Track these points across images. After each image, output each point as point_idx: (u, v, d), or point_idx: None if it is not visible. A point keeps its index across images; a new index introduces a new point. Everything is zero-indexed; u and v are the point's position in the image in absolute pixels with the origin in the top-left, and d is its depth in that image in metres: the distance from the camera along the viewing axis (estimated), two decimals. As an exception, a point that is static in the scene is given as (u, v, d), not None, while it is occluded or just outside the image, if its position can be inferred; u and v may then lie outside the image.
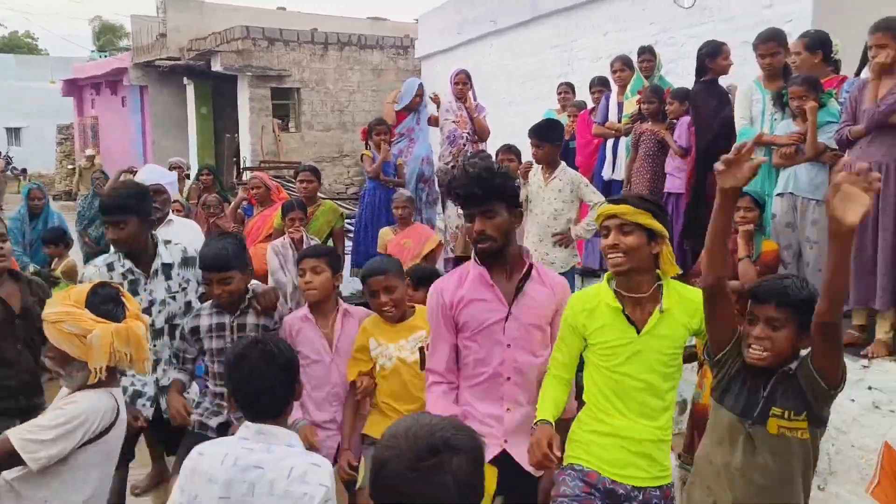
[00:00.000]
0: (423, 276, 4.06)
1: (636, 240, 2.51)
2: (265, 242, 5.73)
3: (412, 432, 1.37)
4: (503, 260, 2.80)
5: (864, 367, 4.20)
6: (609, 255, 2.55)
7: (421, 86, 7.40)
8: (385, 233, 6.25)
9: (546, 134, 5.37)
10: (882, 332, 4.20)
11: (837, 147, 4.59)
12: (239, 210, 6.89)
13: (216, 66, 15.39)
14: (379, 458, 1.39)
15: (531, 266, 2.83)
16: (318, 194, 6.31)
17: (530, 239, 5.27)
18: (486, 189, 2.66)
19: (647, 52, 6.44)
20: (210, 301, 3.48)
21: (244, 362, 2.16)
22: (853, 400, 4.28)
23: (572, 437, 2.72)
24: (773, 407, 2.37)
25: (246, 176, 13.97)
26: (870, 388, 4.17)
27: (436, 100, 7.37)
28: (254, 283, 3.49)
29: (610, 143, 6.50)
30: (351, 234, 7.22)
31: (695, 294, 2.59)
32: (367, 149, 7.17)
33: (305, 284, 3.47)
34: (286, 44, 15.40)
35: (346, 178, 15.79)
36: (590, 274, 6.53)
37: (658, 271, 2.61)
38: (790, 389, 2.37)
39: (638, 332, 2.57)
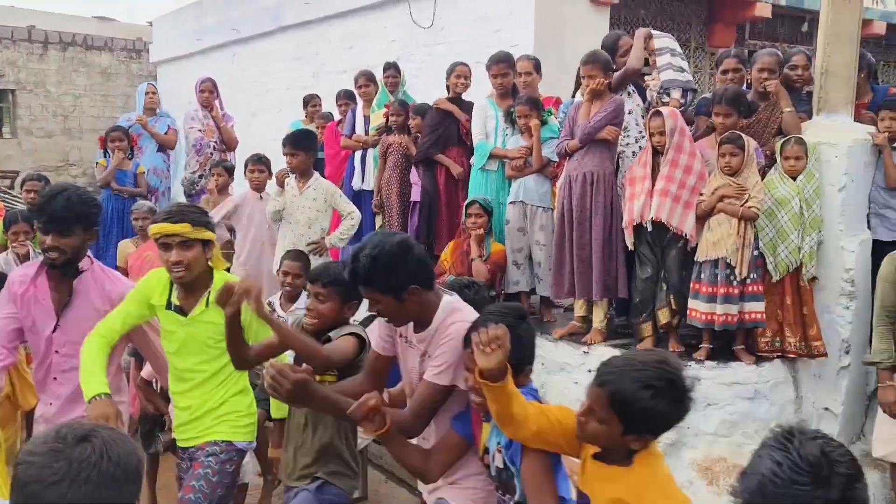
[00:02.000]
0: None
1: (196, 253, 2.98)
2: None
3: None
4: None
5: (585, 353, 4.80)
6: (174, 270, 2.97)
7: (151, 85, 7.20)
8: (125, 245, 5.93)
9: (300, 143, 5.46)
10: (598, 321, 4.82)
11: (558, 159, 5.21)
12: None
13: None
14: None
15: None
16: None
17: (285, 247, 5.32)
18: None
19: (392, 68, 6.74)
20: None
21: None
22: (576, 382, 4.87)
23: None
24: None
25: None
26: (589, 371, 4.76)
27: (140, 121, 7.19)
28: None
29: (358, 154, 6.72)
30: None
31: None
32: (104, 157, 6.74)
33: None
34: (-3, 40, 13.85)
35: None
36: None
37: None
38: None
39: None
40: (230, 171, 6.50)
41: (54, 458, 1.34)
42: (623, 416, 1.95)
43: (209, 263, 3.06)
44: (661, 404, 1.92)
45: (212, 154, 6.95)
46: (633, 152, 5.05)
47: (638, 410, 1.92)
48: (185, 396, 3.16)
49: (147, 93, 7.47)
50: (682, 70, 5.06)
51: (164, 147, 7.18)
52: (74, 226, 3.07)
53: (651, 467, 2.04)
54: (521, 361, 2.33)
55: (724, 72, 5.12)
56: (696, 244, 4.45)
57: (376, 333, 2.78)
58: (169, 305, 3.08)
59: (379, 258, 2.43)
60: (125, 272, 5.77)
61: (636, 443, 1.99)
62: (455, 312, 2.56)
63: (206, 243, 3.01)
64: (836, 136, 4.64)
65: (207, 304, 3.02)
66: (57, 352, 3.20)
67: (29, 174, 6.25)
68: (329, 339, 2.97)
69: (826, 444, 1.51)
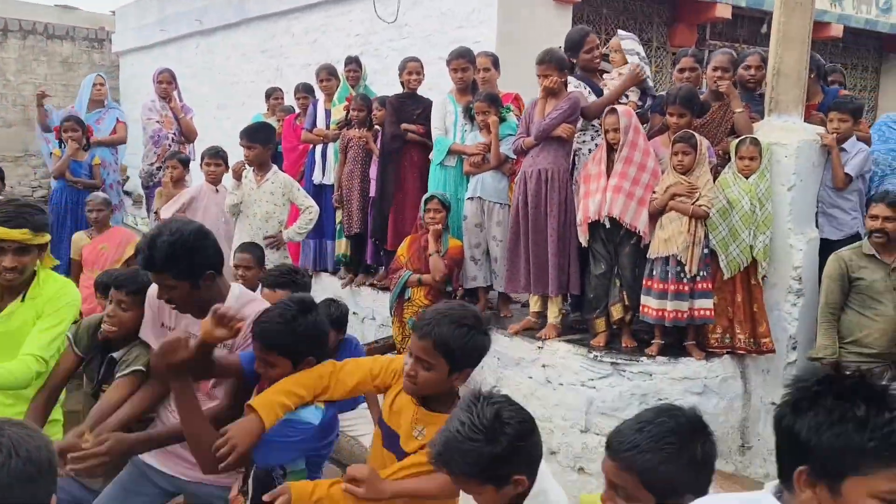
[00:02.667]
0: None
1: (32, 258, 2.85)
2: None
3: None
4: None
5: (539, 348, 4.84)
6: (6, 275, 2.82)
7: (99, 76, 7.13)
8: (79, 237, 5.85)
9: (256, 136, 5.43)
10: (552, 316, 4.86)
11: (515, 156, 5.24)
12: None
13: None
14: None
15: None
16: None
17: (242, 240, 5.27)
18: None
19: (354, 63, 6.71)
20: None
21: None
22: (531, 377, 4.91)
23: None
24: None
25: None
26: (543, 365, 4.81)
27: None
28: None
29: (319, 148, 6.68)
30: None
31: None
32: (58, 147, 6.64)
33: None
34: (-46, 28, 13.53)
35: (33, 179, 14.22)
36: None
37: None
38: None
39: None
40: (185, 163, 6.44)
41: None
42: (448, 356, 2.16)
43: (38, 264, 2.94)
44: (475, 337, 2.19)
45: (170, 146, 6.87)
46: (589, 150, 5.08)
47: (459, 347, 2.15)
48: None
49: (95, 84, 7.37)
50: (646, 76, 5.11)
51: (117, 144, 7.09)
52: None
53: None
54: (299, 353, 2.41)
55: (681, 70, 5.19)
56: (649, 241, 4.51)
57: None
58: None
59: (178, 243, 2.46)
60: (79, 265, 5.71)
61: (459, 380, 2.22)
62: (251, 302, 2.66)
63: (42, 246, 2.88)
64: (787, 136, 4.72)
65: (23, 300, 2.92)
66: None
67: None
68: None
69: (503, 408, 1.85)
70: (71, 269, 5.66)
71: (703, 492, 1.70)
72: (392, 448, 2.36)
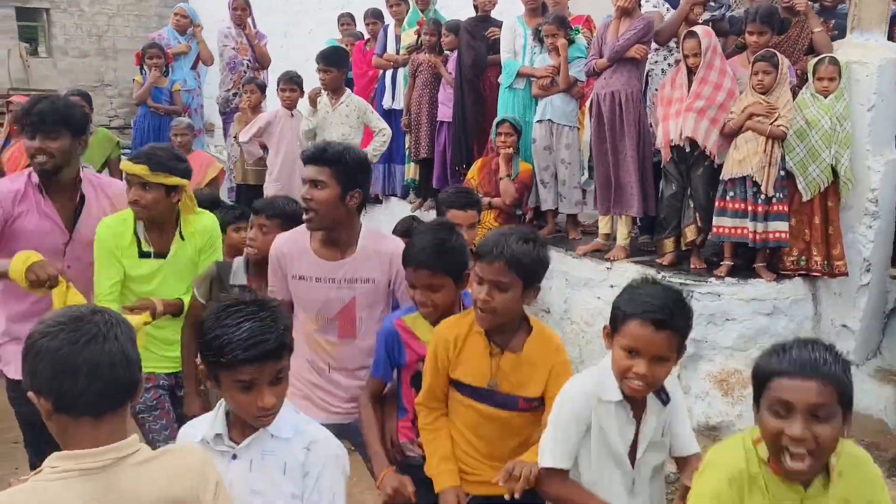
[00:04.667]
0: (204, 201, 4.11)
1: (156, 195, 2.93)
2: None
3: None
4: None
5: (608, 268, 4.93)
6: (132, 206, 2.95)
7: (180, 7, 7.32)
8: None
9: (332, 59, 5.55)
10: (621, 237, 4.93)
11: (584, 79, 5.23)
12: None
13: (-55, -20, 13.51)
14: None
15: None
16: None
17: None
18: None
19: (423, -14, 6.70)
20: None
21: None
22: (599, 297, 5.02)
23: None
24: None
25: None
26: (612, 286, 4.90)
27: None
28: None
29: (389, 73, 6.76)
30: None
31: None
32: (139, 74, 6.88)
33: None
34: (30, -42, 13.86)
35: (110, 109, 14.67)
36: (373, 200, 6.84)
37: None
38: None
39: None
40: (262, 88, 6.60)
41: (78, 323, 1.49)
42: (521, 272, 2.24)
43: (176, 206, 3.05)
44: (541, 251, 2.30)
45: (245, 72, 7.03)
46: (662, 70, 5.05)
47: (531, 262, 2.25)
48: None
49: (175, 14, 7.50)
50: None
51: (197, 64, 7.27)
52: (61, 128, 2.97)
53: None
54: (461, 268, 2.48)
55: (759, -14, 5.05)
56: (720, 162, 4.50)
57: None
58: (141, 254, 3.05)
59: (349, 151, 2.65)
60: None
61: (531, 297, 2.31)
62: (385, 237, 2.82)
63: (175, 190, 2.99)
64: (868, 54, 4.58)
65: (183, 238, 3.10)
66: (69, 266, 3.06)
67: (69, 90, 6.40)
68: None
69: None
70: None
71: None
72: (487, 401, 2.35)
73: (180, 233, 3.10)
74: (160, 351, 3.20)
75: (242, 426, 1.88)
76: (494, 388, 2.31)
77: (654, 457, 2.16)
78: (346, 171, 2.60)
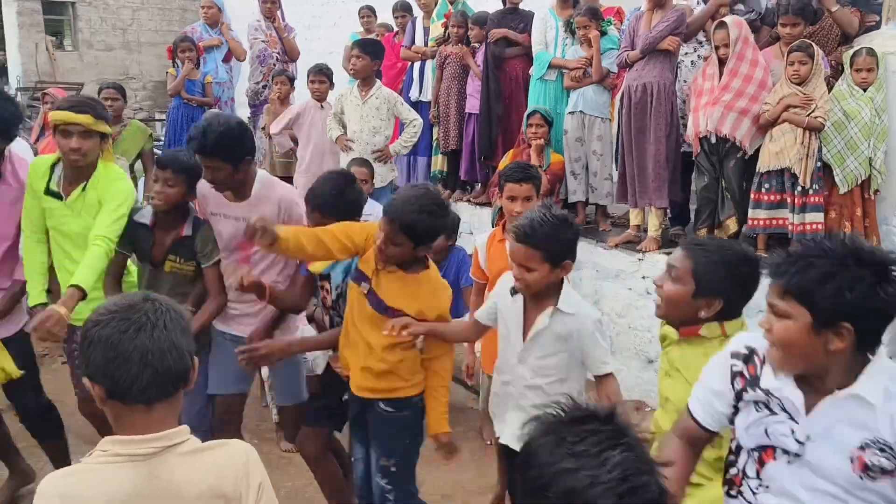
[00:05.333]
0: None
1: (93, 144, 3.17)
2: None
3: None
4: None
5: (640, 259, 4.94)
6: (71, 156, 3.15)
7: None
8: (197, 153, 6.18)
9: (367, 47, 5.61)
10: (653, 229, 4.93)
11: (617, 70, 5.24)
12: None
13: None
14: None
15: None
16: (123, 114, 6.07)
17: (351, 155, 5.48)
18: None
19: (452, -21, 6.71)
20: None
21: None
22: (630, 289, 5.03)
23: None
24: None
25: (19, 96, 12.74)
26: (643, 277, 4.92)
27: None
28: None
29: (417, 65, 6.78)
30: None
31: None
32: (173, 67, 6.96)
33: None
34: (55, -48, 14.00)
35: (134, 102, 14.80)
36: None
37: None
38: None
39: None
40: (291, 80, 6.65)
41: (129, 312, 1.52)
42: (410, 235, 2.64)
43: (100, 156, 3.26)
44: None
45: (275, 65, 7.09)
46: (692, 61, 5.04)
47: (421, 229, 2.65)
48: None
49: (202, 7, 7.55)
50: None
51: (229, 58, 7.34)
52: None
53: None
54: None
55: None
56: (750, 154, 4.50)
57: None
58: (47, 190, 3.26)
59: (228, 131, 3.02)
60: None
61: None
62: (275, 185, 3.31)
63: (103, 136, 3.22)
64: (905, 45, 4.56)
65: (84, 190, 3.24)
66: None
67: (104, 83, 6.47)
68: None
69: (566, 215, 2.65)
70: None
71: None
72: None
73: (85, 185, 3.26)
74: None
75: None
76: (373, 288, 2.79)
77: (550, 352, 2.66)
78: (228, 150, 3.03)
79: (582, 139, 5.36)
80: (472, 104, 6.19)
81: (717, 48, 4.54)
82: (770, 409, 1.68)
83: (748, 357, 1.75)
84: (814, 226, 4.36)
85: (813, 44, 4.39)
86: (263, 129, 6.62)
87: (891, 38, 4.63)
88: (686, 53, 5.07)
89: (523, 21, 5.86)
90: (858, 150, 4.36)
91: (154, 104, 14.52)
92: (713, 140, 4.53)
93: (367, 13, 7.84)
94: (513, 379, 2.76)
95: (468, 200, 6.49)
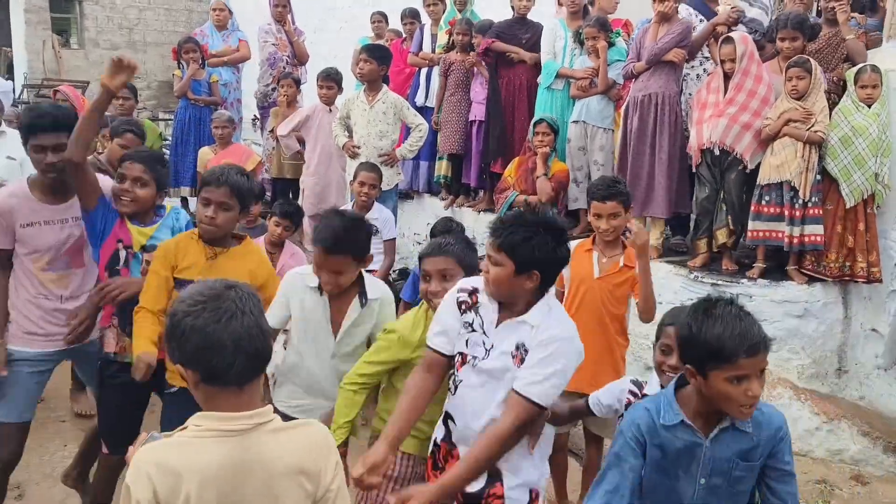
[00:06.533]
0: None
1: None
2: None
3: None
4: None
5: (641, 268, 5.01)
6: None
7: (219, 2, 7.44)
8: (205, 152, 6.26)
9: (375, 51, 5.68)
10: (654, 238, 5.00)
11: (623, 81, 5.32)
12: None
13: (-20, -29, 13.77)
14: None
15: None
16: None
17: (358, 159, 5.55)
18: None
19: (462, -14, 6.77)
20: None
21: None
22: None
23: None
24: None
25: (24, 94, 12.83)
26: (644, 285, 4.99)
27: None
28: None
29: (423, 71, 6.87)
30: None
31: None
32: (178, 68, 7.04)
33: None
34: (63, -49, 14.09)
35: (139, 101, 14.89)
36: (403, 196, 6.95)
37: None
38: None
39: None
40: (298, 83, 6.72)
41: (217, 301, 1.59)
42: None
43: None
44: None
45: (284, 68, 7.18)
46: (697, 75, 5.14)
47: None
48: None
49: (214, 9, 7.65)
50: (765, 11, 5.09)
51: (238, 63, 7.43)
52: None
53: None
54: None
55: (794, -5, 5.13)
56: (751, 167, 4.57)
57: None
58: None
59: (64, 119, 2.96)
60: (204, 178, 6.13)
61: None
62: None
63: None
64: (905, 63, 4.65)
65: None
66: None
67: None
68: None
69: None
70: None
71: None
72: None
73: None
74: None
75: None
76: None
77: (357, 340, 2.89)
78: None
79: (584, 148, 5.44)
80: (477, 112, 6.26)
81: (722, 62, 4.63)
82: (473, 328, 2.34)
83: (472, 292, 2.37)
84: (813, 237, 4.44)
85: (810, 58, 4.48)
86: (271, 131, 6.70)
87: (892, 56, 4.72)
88: (692, 66, 5.16)
89: (530, 31, 5.94)
90: (866, 166, 4.40)
91: (158, 104, 14.58)
92: (716, 152, 4.61)
93: (379, 18, 7.92)
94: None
95: (471, 206, 6.55)
